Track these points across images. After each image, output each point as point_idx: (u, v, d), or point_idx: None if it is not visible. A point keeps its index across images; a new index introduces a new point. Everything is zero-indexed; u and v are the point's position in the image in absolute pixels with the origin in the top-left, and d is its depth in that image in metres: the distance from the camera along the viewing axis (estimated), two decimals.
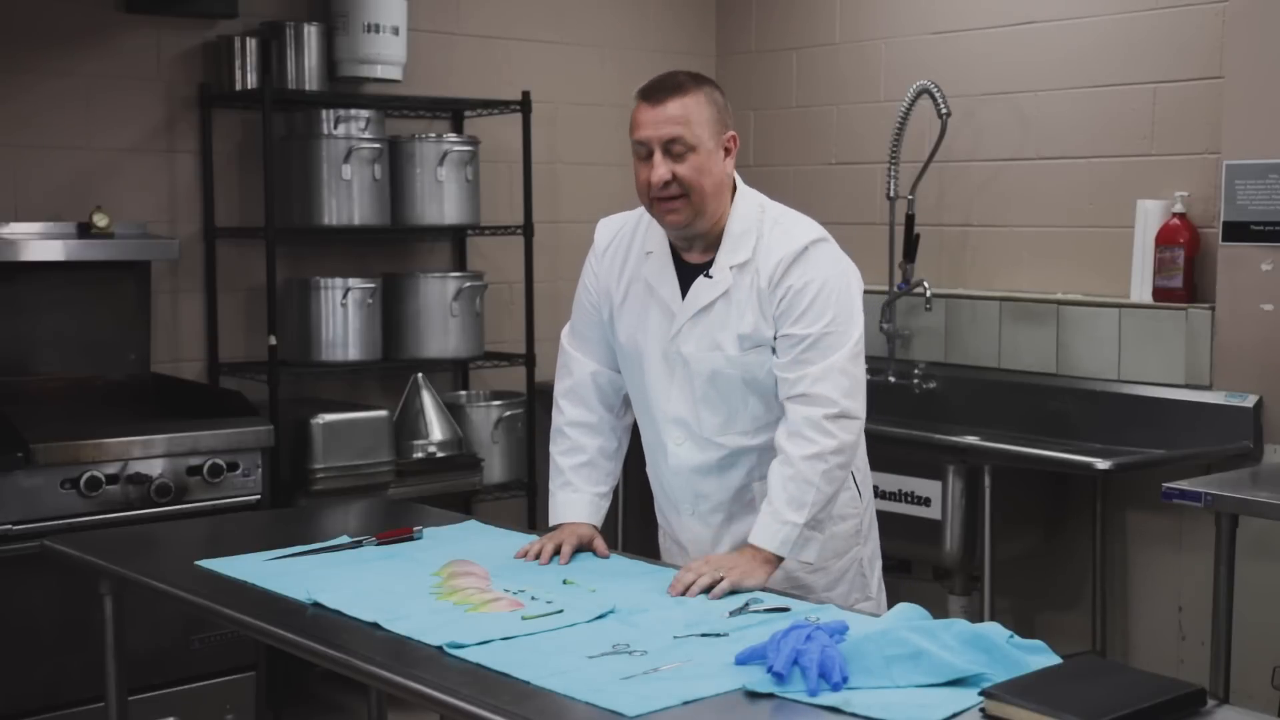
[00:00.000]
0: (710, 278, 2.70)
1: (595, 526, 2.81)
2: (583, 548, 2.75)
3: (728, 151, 2.69)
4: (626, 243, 2.83)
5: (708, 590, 2.46)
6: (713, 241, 2.71)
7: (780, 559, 2.57)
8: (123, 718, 2.94)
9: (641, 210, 2.79)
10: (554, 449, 2.92)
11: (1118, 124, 4.40)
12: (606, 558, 2.75)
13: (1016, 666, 2.00)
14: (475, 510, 4.72)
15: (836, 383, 2.62)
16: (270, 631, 2.39)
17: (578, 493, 2.85)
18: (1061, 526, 4.44)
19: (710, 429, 2.74)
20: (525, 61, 5.19)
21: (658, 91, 2.64)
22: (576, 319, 2.93)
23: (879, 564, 2.90)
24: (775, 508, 2.59)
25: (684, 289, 2.73)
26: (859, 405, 2.66)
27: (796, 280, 2.64)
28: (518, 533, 2.99)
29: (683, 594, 2.46)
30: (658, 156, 2.62)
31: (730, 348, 2.68)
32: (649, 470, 2.90)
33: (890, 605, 2.21)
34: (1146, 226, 4.24)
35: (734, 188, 2.74)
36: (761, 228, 2.70)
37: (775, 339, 2.66)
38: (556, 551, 2.71)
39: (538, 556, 2.71)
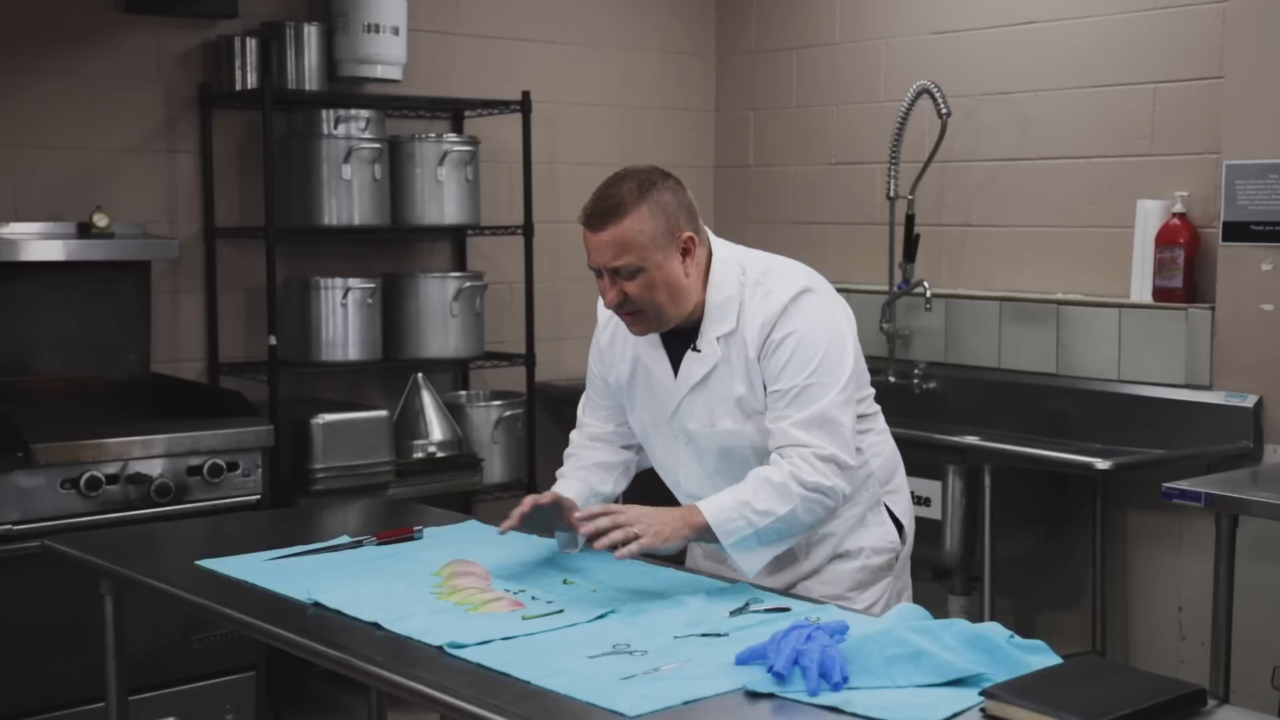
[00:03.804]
0: (699, 351, 2.68)
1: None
2: (557, 504, 2.68)
3: (687, 252, 2.60)
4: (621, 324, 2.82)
5: (616, 545, 2.43)
6: (693, 323, 2.67)
7: (710, 538, 2.53)
8: (123, 718, 2.94)
9: None
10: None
11: (1118, 124, 4.40)
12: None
13: (1016, 666, 2.00)
14: (475, 510, 4.72)
15: (823, 432, 2.56)
16: (270, 631, 2.39)
17: (571, 481, 2.84)
18: (1061, 526, 4.44)
19: None
20: (525, 61, 5.19)
21: (596, 218, 2.57)
22: (590, 393, 2.93)
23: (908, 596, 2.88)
24: (745, 498, 2.52)
25: (676, 363, 2.71)
26: (847, 455, 2.58)
27: (780, 334, 2.60)
28: (518, 533, 2.99)
29: (592, 541, 2.44)
30: (606, 281, 2.60)
31: (730, 420, 2.67)
32: None
33: None
34: (1146, 226, 4.24)
35: (709, 262, 2.66)
36: (744, 294, 2.65)
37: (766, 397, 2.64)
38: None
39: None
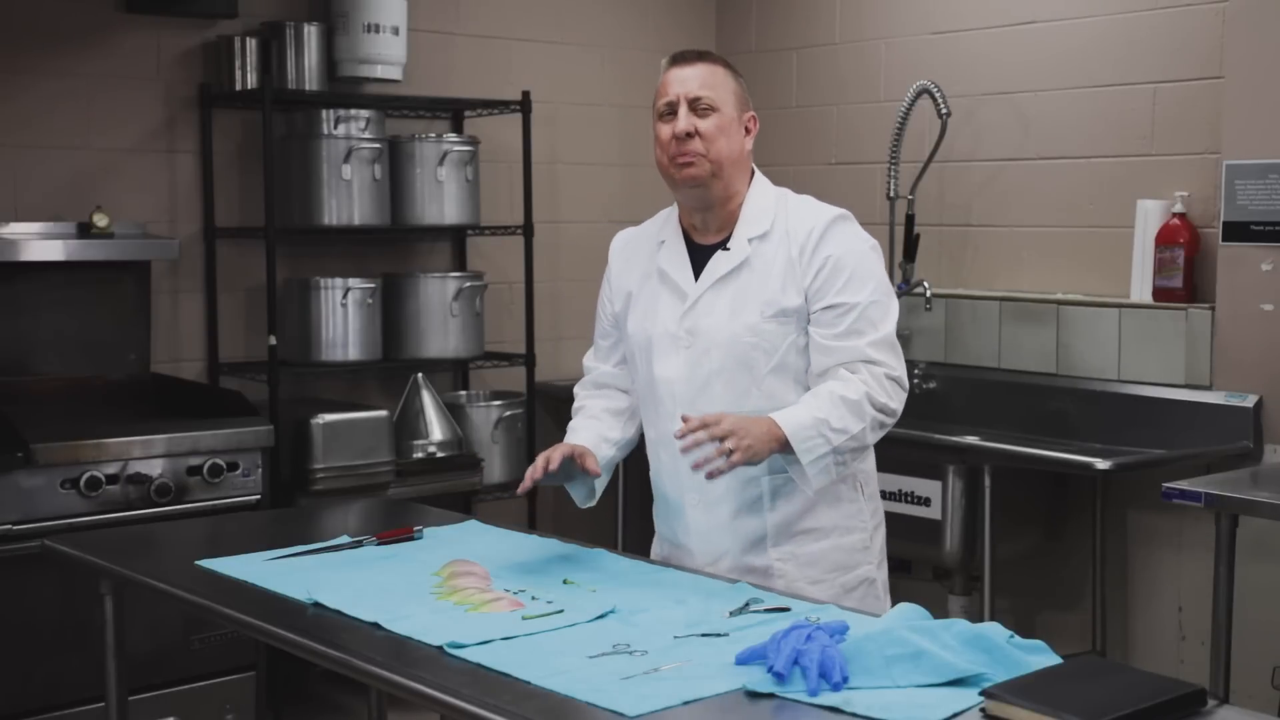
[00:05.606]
0: (728, 249, 2.73)
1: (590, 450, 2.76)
2: (573, 457, 2.69)
3: (748, 131, 2.75)
4: (641, 243, 2.88)
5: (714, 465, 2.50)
6: (727, 220, 2.75)
7: (787, 452, 2.57)
8: (123, 718, 2.94)
9: (654, 218, 2.87)
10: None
11: (1118, 124, 4.40)
12: (597, 474, 2.72)
13: (1016, 666, 2.00)
14: (475, 510, 4.72)
15: (891, 353, 2.68)
16: (270, 631, 2.39)
17: (582, 431, 2.85)
18: (1061, 526, 4.44)
19: (723, 403, 2.67)
20: (525, 61, 5.19)
21: (688, 55, 2.74)
22: (596, 336, 2.98)
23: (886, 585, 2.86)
24: (823, 416, 2.56)
25: (698, 271, 2.75)
26: (906, 377, 2.70)
27: (835, 249, 2.69)
28: (518, 533, 2.99)
29: (690, 448, 2.49)
30: (683, 110, 2.67)
31: (751, 315, 2.69)
32: (652, 474, 2.87)
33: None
34: (1146, 226, 4.24)
35: (752, 174, 2.79)
36: (785, 205, 2.76)
37: (811, 311, 2.68)
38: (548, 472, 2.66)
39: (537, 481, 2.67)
